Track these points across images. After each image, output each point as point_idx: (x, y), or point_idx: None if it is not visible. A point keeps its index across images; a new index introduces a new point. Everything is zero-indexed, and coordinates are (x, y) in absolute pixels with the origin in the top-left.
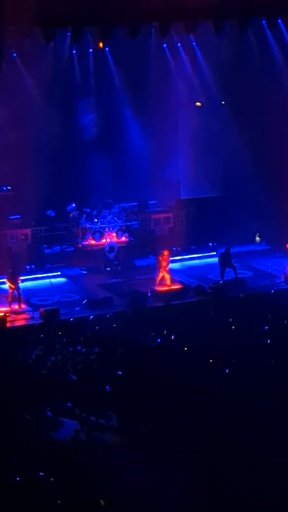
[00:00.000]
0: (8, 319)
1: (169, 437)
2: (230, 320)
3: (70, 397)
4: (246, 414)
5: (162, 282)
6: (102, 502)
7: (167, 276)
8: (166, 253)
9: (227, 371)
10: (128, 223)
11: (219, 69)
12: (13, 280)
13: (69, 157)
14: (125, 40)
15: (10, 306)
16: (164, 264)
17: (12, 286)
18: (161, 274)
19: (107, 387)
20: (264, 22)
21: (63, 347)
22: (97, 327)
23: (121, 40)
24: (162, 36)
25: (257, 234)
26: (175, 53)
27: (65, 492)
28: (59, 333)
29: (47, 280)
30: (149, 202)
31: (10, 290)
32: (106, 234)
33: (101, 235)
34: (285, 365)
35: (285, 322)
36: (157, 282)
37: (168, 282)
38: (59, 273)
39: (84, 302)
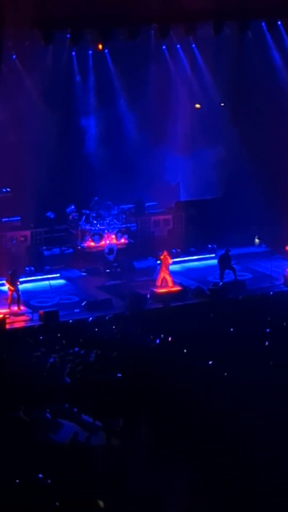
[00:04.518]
0: (8, 320)
1: (169, 439)
2: (229, 322)
3: (69, 399)
4: (246, 416)
5: (163, 283)
6: (101, 503)
7: (168, 278)
8: (164, 254)
9: (225, 374)
10: (127, 225)
11: (218, 71)
12: (13, 282)
13: (68, 159)
14: (125, 41)
15: (9, 308)
16: (164, 265)
17: (12, 288)
18: (162, 275)
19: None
20: (263, 24)
21: (63, 349)
22: (96, 329)
23: (120, 42)
24: (161, 38)
25: (257, 236)
26: (175, 55)
27: (64, 493)
28: (58, 335)
29: (47, 282)
30: (149, 204)
31: (10, 292)
32: (105, 236)
33: (100, 237)
34: (284, 367)
35: (284, 324)
36: (159, 283)
37: (170, 284)
38: (58, 275)
39: (83, 304)
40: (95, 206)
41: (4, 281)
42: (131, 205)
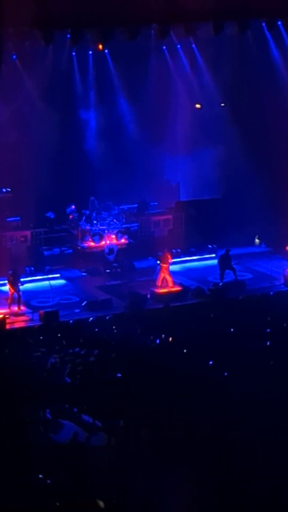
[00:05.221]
0: (8, 321)
1: (169, 439)
2: (230, 322)
3: (69, 399)
4: (245, 416)
5: (163, 283)
6: (101, 503)
7: (168, 278)
8: (165, 253)
9: (225, 374)
10: (128, 225)
11: (218, 71)
12: (13, 282)
13: (69, 159)
14: (125, 42)
15: (9, 308)
16: (164, 265)
17: (12, 289)
18: (162, 275)
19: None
20: (263, 24)
21: (63, 349)
22: (96, 329)
23: (120, 42)
24: (161, 38)
25: (257, 236)
26: (175, 55)
27: (64, 493)
28: (59, 335)
29: (47, 282)
30: (149, 204)
31: (10, 292)
32: (105, 236)
33: (101, 237)
34: (284, 367)
35: (285, 324)
36: (159, 284)
37: (170, 284)
38: (58, 275)
39: (83, 304)
40: (93, 205)
41: (6, 281)
42: (132, 205)
